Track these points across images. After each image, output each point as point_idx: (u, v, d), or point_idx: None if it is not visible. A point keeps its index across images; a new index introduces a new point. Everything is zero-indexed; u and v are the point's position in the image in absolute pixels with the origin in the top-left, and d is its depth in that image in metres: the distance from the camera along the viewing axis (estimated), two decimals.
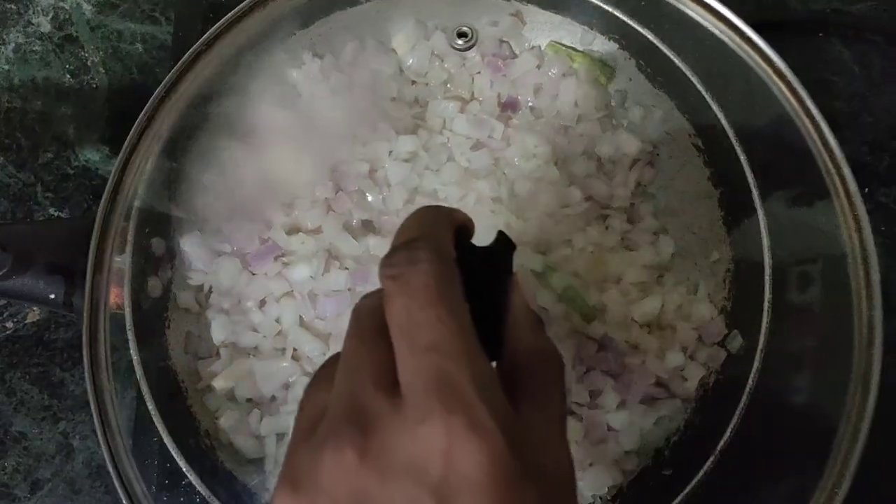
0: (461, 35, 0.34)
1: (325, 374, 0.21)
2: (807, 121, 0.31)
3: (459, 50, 0.34)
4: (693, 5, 0.31)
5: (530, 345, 0.22)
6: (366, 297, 0.22)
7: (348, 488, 0.19)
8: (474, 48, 0.35)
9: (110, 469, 0.31)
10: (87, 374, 0.30)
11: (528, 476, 0.19)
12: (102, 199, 0.31)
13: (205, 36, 0.32)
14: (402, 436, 0.19)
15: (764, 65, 0.31)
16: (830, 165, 0.30)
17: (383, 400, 0.19)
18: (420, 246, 0.21)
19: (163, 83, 0.33)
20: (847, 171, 0.30)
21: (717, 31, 0.31)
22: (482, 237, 0.24)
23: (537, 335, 0.22)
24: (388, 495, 0.18)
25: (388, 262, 0.21)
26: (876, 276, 0.29)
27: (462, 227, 0.23)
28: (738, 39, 0.31)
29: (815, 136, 0.31)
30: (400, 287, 0.20)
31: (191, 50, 0.32)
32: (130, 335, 0.31)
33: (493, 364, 0.21)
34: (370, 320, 0.21)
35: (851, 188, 0.30)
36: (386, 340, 0.20)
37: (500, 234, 0.23)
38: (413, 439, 0.18)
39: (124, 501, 0.30)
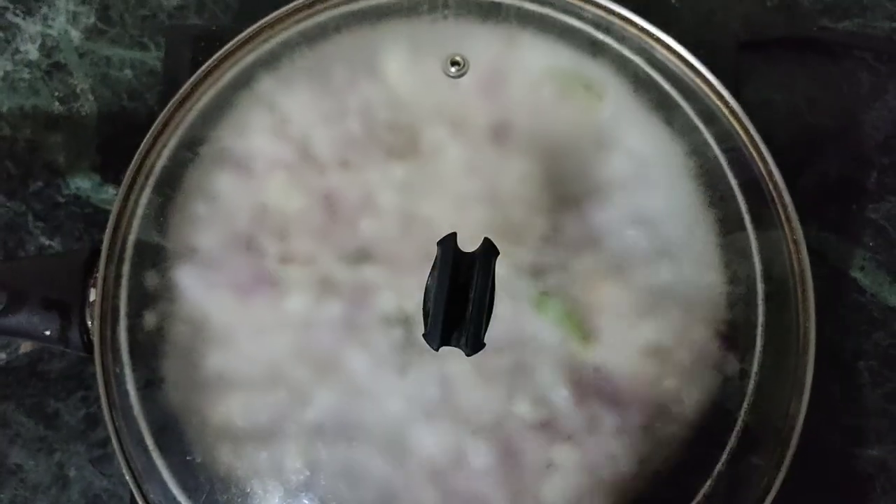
0: (454, 63, 0.34)
1: None
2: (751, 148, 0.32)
3: (453, 77, 0.34)
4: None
5: None
6: None
7: None
8: (467, 74, 0.35)
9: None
10: (106, 416, 0.30)
11: None
12: (105, 239, 0.31)
13: (199, 71, 0.32)
14: None
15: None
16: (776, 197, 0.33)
17: None
18: None
19: (159, 118, 0.33)
20: (789, 202, 0.34)
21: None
22: None
23: None
24: None
25: None
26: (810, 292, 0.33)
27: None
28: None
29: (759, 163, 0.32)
30: None
31: (186, 84, 0.32)
32: (128, 370, 0.31)
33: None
34: None
35: (792, 216, 0.34)
36: None
37: (486, 240, 0.29)
38: None
39: None
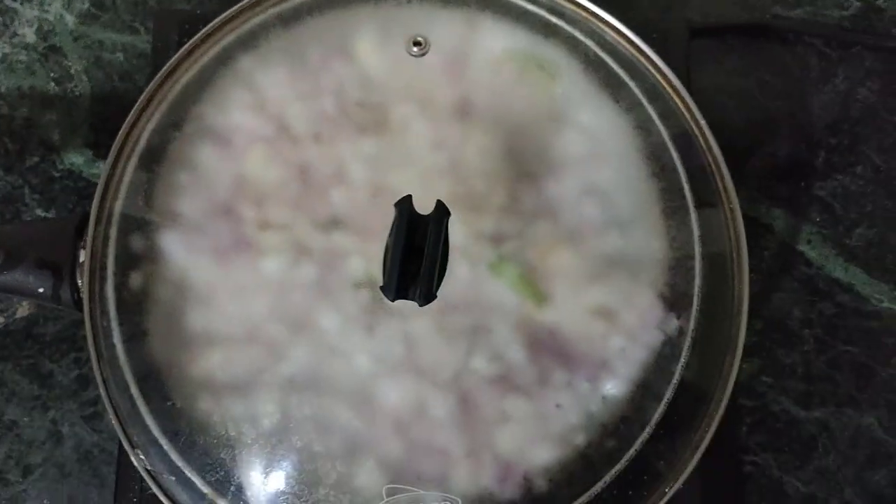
0: (416, 44, 0.37)
1: None
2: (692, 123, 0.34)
3: (416, 57, 0.37)
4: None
5: None
6: None
7: None
8: (432, 54, 0.37)
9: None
10: (94, 366, 0.33)
11: None
12: (94, 204, 0.34)
13: (181, 49, 0.35)
14: None
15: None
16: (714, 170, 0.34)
17: None
18: None
19: (144, 93, 0.35)
20: (726, 174, 0.35)
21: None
22: None
23: None
24: None
25: None
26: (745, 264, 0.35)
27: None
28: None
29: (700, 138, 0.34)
30: None
31: (169, 62, 0.35)
32: (114, 324, 0.33)
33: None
34: None
35: (729, 187, 0.35)
36: None
37: (438, 202, 0.31)
38: None
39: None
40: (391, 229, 0.30)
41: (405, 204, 0.30)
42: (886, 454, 0.42)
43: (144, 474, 0.34)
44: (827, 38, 0.46)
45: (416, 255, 0.30)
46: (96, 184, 0.45)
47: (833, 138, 0.45)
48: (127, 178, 0.35)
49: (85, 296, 0.34)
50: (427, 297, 0.29)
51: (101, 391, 0.34)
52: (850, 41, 0.46)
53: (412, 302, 0.31)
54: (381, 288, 0.30)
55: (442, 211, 0.30)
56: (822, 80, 0.46)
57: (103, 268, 0.35)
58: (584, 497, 0.33)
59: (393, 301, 0.30)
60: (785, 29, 0.46)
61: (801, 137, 0.45)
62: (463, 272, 0.34)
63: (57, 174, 0.46)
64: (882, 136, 0.45)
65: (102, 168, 0.35)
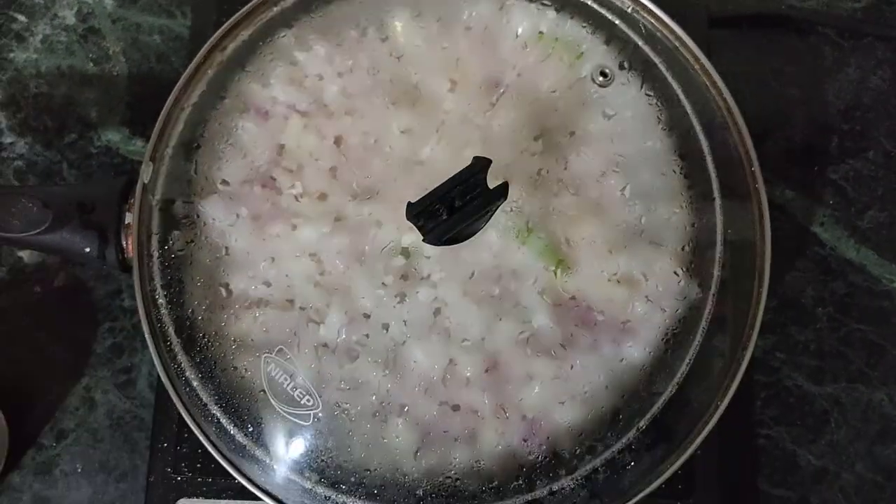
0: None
1: None
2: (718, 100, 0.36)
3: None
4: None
5: None
6: None
7: None
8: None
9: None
10: (143, 321, 0.35)
11: None
12: (143, 166, 0.36)
13: (225, 24, 0.36)
14: None
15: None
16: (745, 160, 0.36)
17: None
18: None
19: (189, 67, 0.37)
20: (755, 162, 0.37)
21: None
22: None
23: None
24: None
25: None
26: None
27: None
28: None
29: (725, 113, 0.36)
30: None
31: (213, 36, 0.37)
32: (158, 285, 0.35)
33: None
34: None
35: (757, 176, 0.37)
36: None
37: (505, 183, 0.32)
38: None
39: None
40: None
41: (481, 163, 0.31)
42: None
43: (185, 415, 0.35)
44: (840, 29, 0.48)
45: (453, 207, 0.31)
46: (132, 160, 0.47)
47: (846, 124, 0.47)
48: (172, 142, 0.37)
49: (134, 255, 0.36)
50: (434, 238, 0.30)
51: (150, 344, 0.35)
52: (863, 32, 0.48)
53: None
54: (409, 205, 0.31)
55: (500, 191, 0.31)
56: (836, 68, 0.48)
57: (149, 230, 0.36)
58: (606, 454, 0.35)
59: (408, 219, 0.31)
60: (800, 19, 0.48)
61: (814, 123, 0.47)
62: (492, 240, 0.36)
63: (94, 150, 0.47)
64: (893, 122, 0.47)
65: (140, 146, 0.37)
